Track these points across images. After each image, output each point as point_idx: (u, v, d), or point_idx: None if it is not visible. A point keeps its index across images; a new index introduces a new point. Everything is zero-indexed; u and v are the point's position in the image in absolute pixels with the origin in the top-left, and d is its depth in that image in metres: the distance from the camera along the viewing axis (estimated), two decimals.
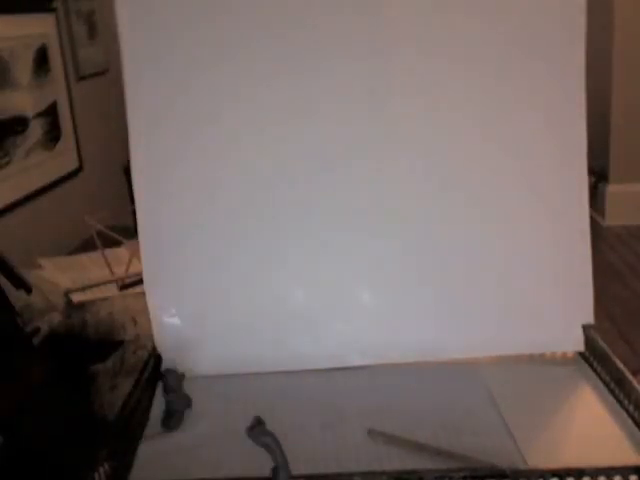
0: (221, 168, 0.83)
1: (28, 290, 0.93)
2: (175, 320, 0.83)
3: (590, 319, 0.83)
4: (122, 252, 1.29)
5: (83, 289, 1.17)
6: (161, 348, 0.83)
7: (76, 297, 1.13)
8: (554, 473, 0.60)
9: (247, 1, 0.80)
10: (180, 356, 0.82)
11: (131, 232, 1.28)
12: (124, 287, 1.17)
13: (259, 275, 0.83)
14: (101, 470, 0.63)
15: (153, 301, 0.83)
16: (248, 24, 0.80)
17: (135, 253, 1.20)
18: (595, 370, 0.80)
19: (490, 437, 0.69)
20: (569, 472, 0.60)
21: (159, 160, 0.82)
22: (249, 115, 0.82)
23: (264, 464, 0.62)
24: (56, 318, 1.02)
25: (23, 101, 1.68)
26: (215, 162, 0.83)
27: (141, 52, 0.80)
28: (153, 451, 0.70)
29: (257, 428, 0.62)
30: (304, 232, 0.83)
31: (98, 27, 2.18)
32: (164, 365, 0.82)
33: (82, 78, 2.05)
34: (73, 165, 1.95)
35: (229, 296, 0.84)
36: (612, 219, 3.07)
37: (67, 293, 1.13)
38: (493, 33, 0.81)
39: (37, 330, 0.95)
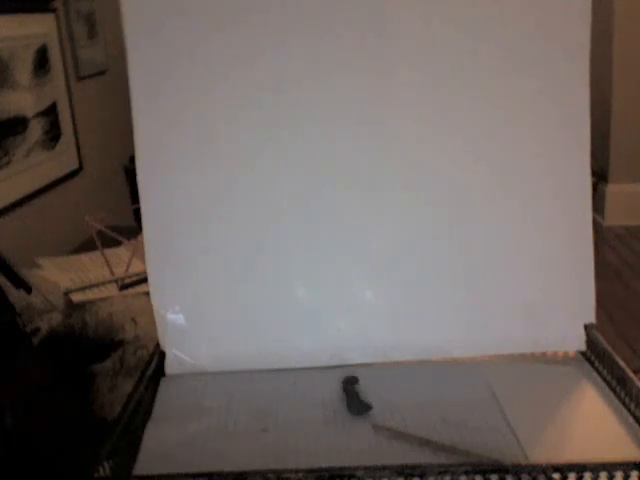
0: (223, 170, 0.83)
1: (28, 290, 0.93)
2: (179, 317, 0.83)
3: (592, 318, 0.83)
4: (122, 252, 1.30)
5: (83, 289, 1.17)
6: (164, 345, 0.83)
7: (76, 297, 1.13)
8: (556, 468, 0.60)
9: (250, 12, 0.80)
10: (183, 353, 0.83)
11: (131, 232, 1.28)
12: (124, 287, 1.17)
13: (261, 273, 0.83)
14: (105, 465, 0.63)
15: (157, 298, 0.83)
16: (254, 33, 0.80)
17: (135, 253, 1.20)
18: (597, 369, 0.80)
19: (492, 433, 0.69)
20: (571, 467, 0.60)
21: (164, 164, 0.83)
22: (252, 120, 0.82)
23: (264, 461, 0.62)
24: (56, 318, 1.02)
25: (23, 101, 1.67)
26: (217, 165, 0.83)
27: (149, 58, 0.80)
28: (156, 446, 0.70)
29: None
30: (306, 231, 0.83)
31: (98, 27, 2.18)
32: (167, 361, 0.83)
33: (82, 78, 2.05)
34: (73, 165, 1.94)
35: (232, 294, 0.84)
36: (612, 219, 3.07)
37: (67, 293, 1.13)
38: (495, 33, 0.81)
39: (37, 330, 0.95)
